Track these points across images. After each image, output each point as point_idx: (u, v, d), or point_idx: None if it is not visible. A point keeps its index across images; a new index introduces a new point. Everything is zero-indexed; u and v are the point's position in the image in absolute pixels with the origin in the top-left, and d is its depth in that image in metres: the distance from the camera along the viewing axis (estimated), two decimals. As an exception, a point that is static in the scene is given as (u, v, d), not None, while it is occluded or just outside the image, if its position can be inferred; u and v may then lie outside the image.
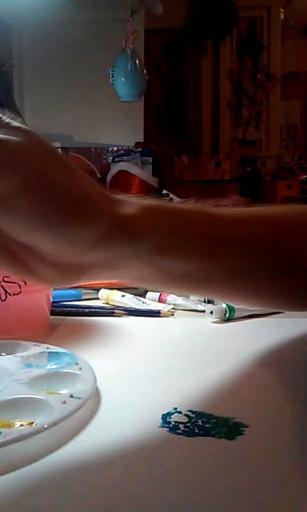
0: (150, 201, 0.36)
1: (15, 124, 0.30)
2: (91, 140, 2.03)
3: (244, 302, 0.54)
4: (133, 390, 0.40)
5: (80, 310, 0.62)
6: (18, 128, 0.30)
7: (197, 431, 0.33)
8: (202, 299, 0.66)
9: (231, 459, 0.30)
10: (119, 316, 0.61)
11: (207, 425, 0.34)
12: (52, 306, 0.58)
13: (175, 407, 0.36)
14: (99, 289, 0.68)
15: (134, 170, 1.39)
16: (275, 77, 3.45)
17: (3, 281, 0.51)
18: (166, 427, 0.33)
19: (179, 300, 0.65)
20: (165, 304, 0.64)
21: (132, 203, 0.33)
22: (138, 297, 0.65)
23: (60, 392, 0.37)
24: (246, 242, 0.39)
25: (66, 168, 0.30)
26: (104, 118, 2.12)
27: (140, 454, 0.30)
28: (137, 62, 1.55)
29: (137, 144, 1.83)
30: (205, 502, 0.26)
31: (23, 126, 0.30)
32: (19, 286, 0.52)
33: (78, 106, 2.12)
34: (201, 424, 0.34)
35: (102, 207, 0.31)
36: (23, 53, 2.12)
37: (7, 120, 0.30)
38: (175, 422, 0.34)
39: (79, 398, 0.35)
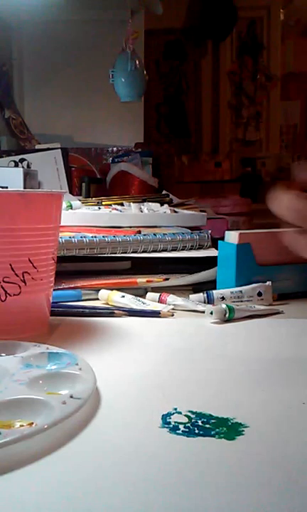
0: None
1: None
2: (91, 140, 2.02)
3: None
4: (133, 390, 0.40)
5: (80, 310, 0.62)
6: None
7: (197, 431, 0.33)
8: (202, 300, 0.66)
9: (231, 459, 0.30)
10: (119, 316, 0.61)
11: (207, 425, 0.34)
12: (52, 306, 0.58)
13: (175, 407, 0.36)
14: (99, 290, 0.68)
15: (134, 170, 1.39)
16: (275, 77, 3.45)
17: (3, 281, 0.51)
18: (166, 427, 0.33)
19: (179, 300, 0.65)
20: (165, 305, 0.64)
21: None
22: (138, 298, 0.65)
23: (60, 392, 0.37)
24: None
25: None
26: (104, 118, 2.11)
27: (140, 454, 0.30)
28: (137, 62, 1.54)
29: (137, 144, 1.83)
30: (205, 502, 0.26)
31: None
32: (19, 286, 0.52)
33: (78, 106, 2.12)
34: (201, 424, 0.34)
35: None
36: (23, 53, 2.12)
37: None
38: (175, 422, 0.34)
39: (79, 398, 0.35)
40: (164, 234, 0.81)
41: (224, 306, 0.60)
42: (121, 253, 0.78)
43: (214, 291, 0.65)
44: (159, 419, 0.34)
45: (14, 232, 0.51)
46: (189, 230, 0.85)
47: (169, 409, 0.36)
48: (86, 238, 0.76)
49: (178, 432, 0.33)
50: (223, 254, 0.70)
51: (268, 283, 0.67)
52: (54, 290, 0.59)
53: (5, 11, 1.92)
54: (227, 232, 0.71)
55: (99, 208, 0.93)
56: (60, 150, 1.36)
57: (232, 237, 0.69)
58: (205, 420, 0.34)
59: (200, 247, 0.82)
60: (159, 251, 0.80)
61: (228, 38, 3.33)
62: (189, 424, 0.34)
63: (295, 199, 0.39)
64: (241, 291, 0.65)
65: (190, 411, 0.36)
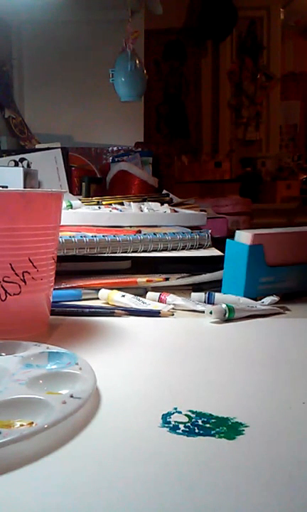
0: None
1: None
2: (91, 140, 2.02)
3: None
4: (133, 390, 0.40)
5: (80, 310, 0.62)
6: None
7: (197, 431, 0.33)
8: (202, 299, 0.66)
9: (231, 459, 0.30)
10: (119, 316, 0.61)
11: (207, 425, 0.34)
12: (52, 306, 0.58)
13: (175, 407, 0.36)
14: (99, 289, 0.68)
15: (134, 170, 1.39)
16: (275, 77, 3.45)
17: (3, 281, 0.51)
18: (166, 427, 0.33)
19: (179, 300, 0.65)
20: (165, 304, 0.64)
21: None
22: (138, 297, 0.65)
23: (60, 392, 0.37)
24: None
25: None
26: (104, 118, 2.11)
27: (140, 454, 0.30)
28: (137, 62, 1.54)
29: (137, 144, 1.82)
30: (205, 502, 0.25)
31: None
32: (19, 286, 0.52)
33: (78, 106, 2.12)
34: (201, 424, 0.34)
35: None
36: (23, 53, 2.12)
37: None
38: (175, 422, 0.34)
39: (79, 398, 0.35)
40: (164, 233, 0.81)
41: (223, 305, 0.59)
42: (122, 253, 0.78)
43: (216, 294, 0.66)
44: (159, 419, 0.34)
45: (14, 232, 0.51)
46: (189, 230, 0.84)
47: (169, 408, 0.36)
48: (86, 238, 0.76)
49: (178, 431, 0.33)
50: (232, 254, 0.68)
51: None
52: (54, 290, 0.59)
53: (5, 11, 1.92)
54: (237, 231, 0.69)
55: (99, 208, 0.93)
56: (60, 150, 1.35)
57: (244, 237, 0.67)
58: (205, 420, 0.34)
59: (200, 247, 0.82)
60: (159, 250, 0.80)
61: (228, 38, 3.33)
62: (189, 424, 0.34)
63: None
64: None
65: (190, 410, 0.36)
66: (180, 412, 0.35)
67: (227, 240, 0.69)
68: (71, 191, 1.37)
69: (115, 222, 0.87)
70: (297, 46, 3.62)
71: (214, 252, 0.79)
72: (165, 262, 0.80)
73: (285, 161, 3.44)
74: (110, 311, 0.62)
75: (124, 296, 0.65)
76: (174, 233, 0.81)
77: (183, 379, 0.42)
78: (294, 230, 0.73)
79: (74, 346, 0.50)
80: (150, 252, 0.79)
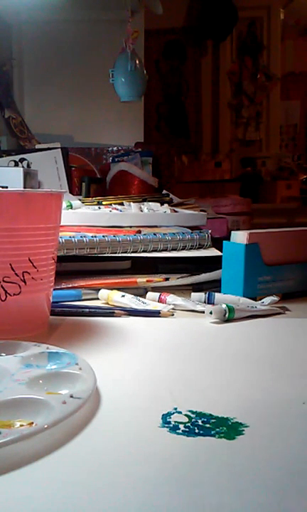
0: None
1: None
2: (91, 140, 2.02)
3: None
4: (133, 390, 0.40)
5: (80, 310, 0.62)
6: None
7: (197, 431, 0.33)
8: (202, 299, 0.66)
9: (231, 458, 0.30)
10: (119, 316, 0.61)
11: (207, 425, 0.34)
12: (52, 306, 0.58)
13: (175, 407, 0.36)
14: (99, 289, 0.68)
15: (134, 170, 1.39)
16: (275, 77, 3.45)
17: (3, 281, 0.51)
18: (166, 427, 0.33)
19: (179, 300, 0.65)
20: (165, 304, 0.64)
21: None
22: (138, 297, 0.65)
23: (60, 392, 0.37)
24: None
25: None
26: (104, 118, 2.11)
27: (140, 454, 0.30)
28: (137, 62, 1.54)
29: (137, 144, 1.82)
30: (205, 502, 0.25)
31: None
32: (19, 286, 0.52)
33: (78, 106, 2.12)
34: (201, 424, 0.34)
35: None
36: (23, 53, 2.12)
37: None
38: (175, 422, 0.34)
39: (79, 398, 0.35)
40: (164, 234, 0.81)
41: (223, 306, 0.59)
42: (121, 253, 0.78)
43: (216, 294, 0.65)
44: (159, 419, 0.34)
45: (14, 232, 0.51)
46: (189, 230, 0.84)
47: (169, 408, 0.36)
48: (86, 238, 0.76)
49: (178, 431, 0.33)
50: (229, 255, 0.69)
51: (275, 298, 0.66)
52: (54, 290, 0.59)
53: (5, 11, 1.92)
54: (233, 232, 0.69)
55: (99, 208, 0.93)
56: (60, 150, 1.35)
57: (240, 237, 0.68)
58: (205, 420, 0.34)
59: (200, 247, 0.82)
60: (159, 251, 0.80)
61: (228, 38, 3.33)
62: (189, 424, 0.34)
63: None
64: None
65: (190, 410, 0.36)
66: (180, 412, 0.35)
67: (224, 241, 0.69)
68: (71, 191, 1.37)
69: (115, 222, 0.87)
70: (297, 46, 3.61)
71: (214, 252, 0.79)
72: (165, 262, 0.80)
73: (285, 161, 3.44)
74: (110, 311, 0.62)
75: (123, 296, 0.65)
76: (174, 233, 0.81)
77: (183, 379, 0.42)
78: (290, 229, 0.73)
79: (74, 346, 0.50)
80: (150, 252, 0.79)
